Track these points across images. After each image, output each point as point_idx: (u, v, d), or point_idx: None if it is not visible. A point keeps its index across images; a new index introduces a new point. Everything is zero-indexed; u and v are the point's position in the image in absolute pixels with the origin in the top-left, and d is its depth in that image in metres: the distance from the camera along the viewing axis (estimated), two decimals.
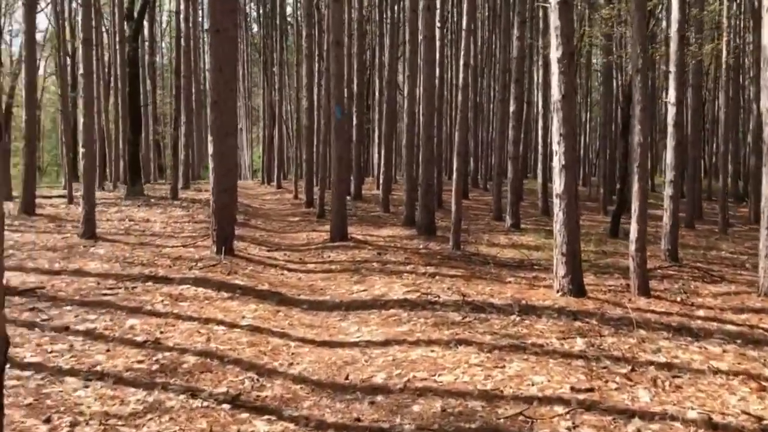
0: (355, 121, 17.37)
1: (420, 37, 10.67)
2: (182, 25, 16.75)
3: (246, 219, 12.85)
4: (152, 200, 15.35)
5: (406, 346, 5.04)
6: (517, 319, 5.81)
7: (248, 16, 38.66)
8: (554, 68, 6.81)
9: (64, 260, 7.50)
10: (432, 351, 4.88)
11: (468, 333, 5.35)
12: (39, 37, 25.74)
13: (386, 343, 5.14)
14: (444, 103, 18.29)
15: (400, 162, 29.72)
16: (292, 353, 4.87)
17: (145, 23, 23.52)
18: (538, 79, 17.74)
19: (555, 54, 6.78)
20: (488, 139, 23.69)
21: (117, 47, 17.03)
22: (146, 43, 22.66)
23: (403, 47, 26.23)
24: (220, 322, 5.39)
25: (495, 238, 11.68)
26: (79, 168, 10.58)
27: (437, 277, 7.53)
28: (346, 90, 16.77)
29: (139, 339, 4.72)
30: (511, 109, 12.91)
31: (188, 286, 6.47)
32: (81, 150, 8.83)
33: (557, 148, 6.78)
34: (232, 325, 5.37)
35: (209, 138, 7.86)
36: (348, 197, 16.57)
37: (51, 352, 4.28)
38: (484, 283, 7.39)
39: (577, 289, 6.66)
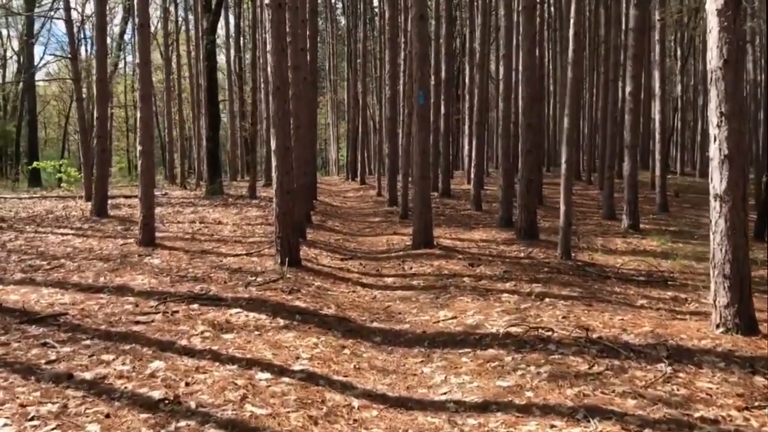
0: (443, 111, 15.89)
1: (519, 8, 9.02)
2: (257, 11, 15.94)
3: (322, 220, 11.75)
4: (230, 199, 14.69)
5: (513, 413, 3.58)
6: (669, 370, 4.15)
7: (335, 8, 38.05)
8: (712, 23, 5.02)
9: (111, 273, 6.63)
10: (552, 426, 3.39)
11: (600, 393, 3.79)
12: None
13: (484, 407, 3.70)
14: (542, 88, 16.34)
15: (492, 154, 27.83)
16: (355, 420, 3.55)
17: (231, 16, 23.21)
18: (653, 56, 15.37)
19: (712, 4, 5.00)
20: (592, 126, 21.32)
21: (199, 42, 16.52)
22: (231, 38, 22.32)
23: (496, 32, 24.36)
24: (267, 366, 4.17)
25: (610, 243, 9.83)
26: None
27: (547, 300, 5.95)
28: (433, 77, 15.33)
29: (155, 395, 3.58)
30: (628, 89, 10.91)
31: (239, 310, 5.33)
32: (138, 147, 8.01)
33: (716, 132, 4.99)
34: (282, 371, 4.12)
35: (271, 131, 6.71)
36: (435, 193, 15.14)
37: (32, 418, 3.21)
38: (609, 308, 5.73)
39: (747, 325, 4.87)
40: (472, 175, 13.31)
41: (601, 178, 17.53)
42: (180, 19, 25.12)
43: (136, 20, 7.47)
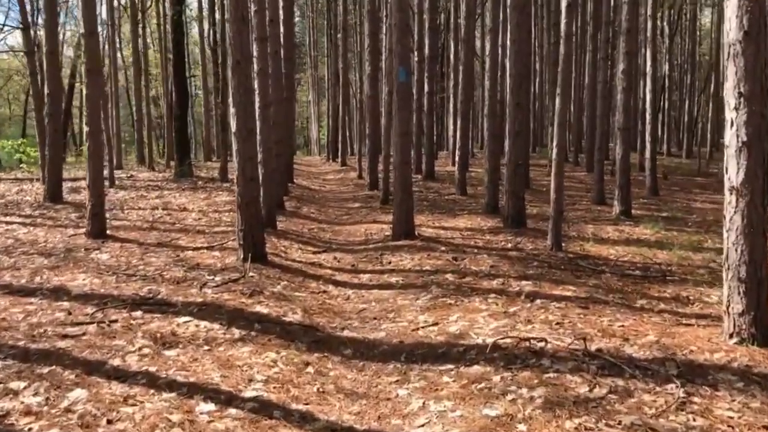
0: (426, 89, 15.14)
1: None
2: None
3: (297, 206, 11.03)
4: (200, 182, 13.90)
5: None
6: (681, 393, 3.58)
7: None
8: None
9: (51, 271, 5.90)
10: None
11: (605, 427, 3.20)
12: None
13: None
14: (529, 65, 15.63)
15: (477, 134, 27.16)
16: None
17: None
18: (646, 33, 14.69)
19: None
20: (578, 106, 20.71)
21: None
22: (205, 10, 21.20)
23: (482, 5, 23.48)
24: (213, 393, 3.51)
25: (602, 231, 9.27)
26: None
27: (538, 301, 5.34)
28: (416, 53, 14.54)
29: None
30: (621, 67, 10.26)
31: (188, 318, 4.65)
32: (85, 128, 7.20)
33: (733, 115, 4.36)
34: (230, 399, 3.47)
35: (230, 110, 5.95)
36: (418, 176, 14.47)
37: None
38: (607, 311, 5.14)
39: (765, 336, 4.31)
40: (457, 158, 12.65)
41: (590, 160, 17.02)
42: None
43: None
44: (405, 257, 6.95)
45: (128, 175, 15.36)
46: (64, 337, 4.18)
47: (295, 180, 15.53)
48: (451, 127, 20.86)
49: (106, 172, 15.28)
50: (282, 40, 14.59)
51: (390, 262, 6.80)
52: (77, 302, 4.94)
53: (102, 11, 17.19)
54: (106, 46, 15.89)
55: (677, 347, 4.28)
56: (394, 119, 7.52)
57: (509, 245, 7.94)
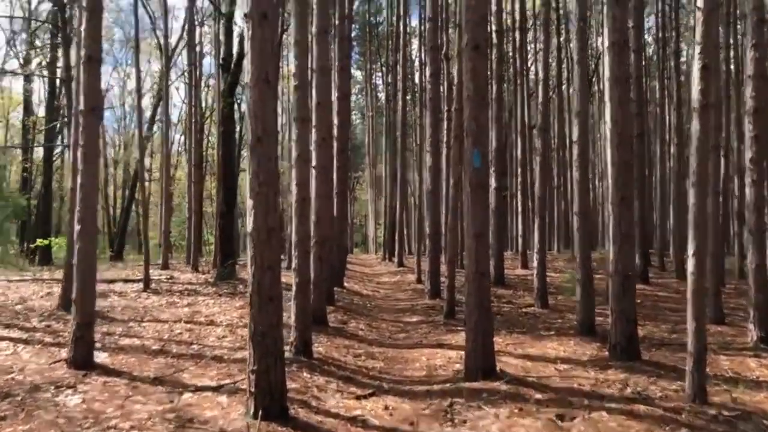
0: (494, 184, 13.46)
1: (606, 44, 6.70)
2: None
3: (343, 320, 9.17)
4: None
5: None
6: None
7: (375, 87, 37.13)
8: None
9: None
10: None
11: None
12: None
13: None
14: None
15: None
16: None
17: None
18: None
19: None
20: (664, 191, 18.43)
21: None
22: None
23: (557, 86, 22.03)
24: None
25: (743, 367, 6.90)
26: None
27: None
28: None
29: None
30: (748, 155, 8.24)
31: None
32: (76, 226, 5.76)
33: None
34: None
35: (248, 204, 4.33)
36: None
37: None
38: None
39: None
40: (535, 262, 10.63)
41: (680, 265, 14.52)
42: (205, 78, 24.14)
43: (82, 51, 5.42)
44: (487, 414, 4.85)
45: (168, 277, 14.08)
46: None
47: (345, 284, 13.81)
48: (520, 226, 18.94)
49: (140, 274, 14.15)
50: (336, 130, 13.48)
51: (466, 422, 4.72)
52: None
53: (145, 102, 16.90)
54: (157, 142, 15.21)
55: None
56: (467, 216, 5.74)
57: (628, 390, 5.73)
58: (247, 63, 4.23)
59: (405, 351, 7.42)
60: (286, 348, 6.40)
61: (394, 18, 22.34)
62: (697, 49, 4.88)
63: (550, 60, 16.20)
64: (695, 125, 5.31)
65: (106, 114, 35.36)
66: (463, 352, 6.92)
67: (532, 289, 12.94)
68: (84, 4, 5.34)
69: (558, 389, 5.62)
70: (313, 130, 7.97)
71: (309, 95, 7.33)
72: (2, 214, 20.62)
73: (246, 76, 4.25)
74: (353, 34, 33.49)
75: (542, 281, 10.56)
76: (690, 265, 5.42)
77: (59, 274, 13.94)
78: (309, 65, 7.03)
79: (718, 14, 5.99)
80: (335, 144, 14.27)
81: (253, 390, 4.35)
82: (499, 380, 5.65)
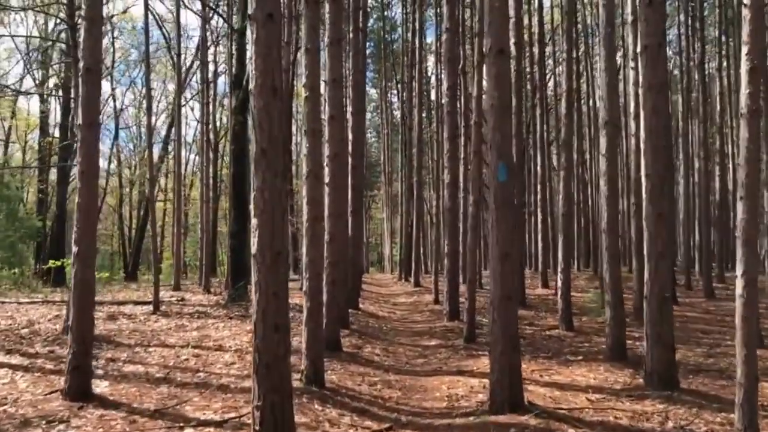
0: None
1: (639, 46, 6.30)
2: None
3: (358, 345, 8.71)
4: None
5: None
6: None
7: (391, 104, 36.99)
8: None
9: None
10: None
11: None
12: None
13: None
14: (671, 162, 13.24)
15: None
16: None
17: None
18: None
19: None
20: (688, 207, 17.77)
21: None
22: None
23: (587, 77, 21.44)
24: None
25: None
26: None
27: None
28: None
29: None
30: None
31: None
32: (73, 248, 5.45)
33: None
34: None
35: (252, 222, 3.95)
36: None
37: None
38: None
39: None
40: (559, 283, 10.12)
41: (708, 284, 13.81)
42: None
43: (81, 63, 5.14)
44: None
45: (179, 299, 13.76)
46: None
47: (360, 305, 13.36)
48: (540, 244, 18.39)
49: (150, 296, 13.83)
50: (350, 146, 13.15)
51: None
52: None
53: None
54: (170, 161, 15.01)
55: None
56: (491, 235, 5.31)
57: (669, 425, 5.22)
58: (251, 68, 3.89)
59: (423, 378, 6.95)
60: (297, 377, 5.98)
61: (409, 34, 22.14)
62: (744, 49, 4.45)
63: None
64: (744, 133, 4.85)
65: (122, 134, 35.52)
66: (486, 380, 6.45)
67: (554, 310, 12.40)
68: (83, 14, 5.06)
69: (593, 423, 5.13)
70: (326, 145, 7.62)
71: (321, 107, 6.98)
72: (17, 236, 20.55)
73: (251, 83, 3.90)
74: (368, 51, 33.50)
75: (567, 302, 10.04)
76: (739, 286, 4.92)
77: (68, 296, 13.68)
78: (321, 75, 6.70)
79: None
80: (349, 160, 13.97)
81: (257, 428, 3.93)
82: (528, 413, 5.17)
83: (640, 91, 6.50)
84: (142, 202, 30.58)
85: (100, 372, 6.60)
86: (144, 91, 33.19)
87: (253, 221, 3.90)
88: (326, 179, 7.65)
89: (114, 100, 29.67)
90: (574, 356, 8.23)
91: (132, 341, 8.66)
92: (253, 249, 3.91)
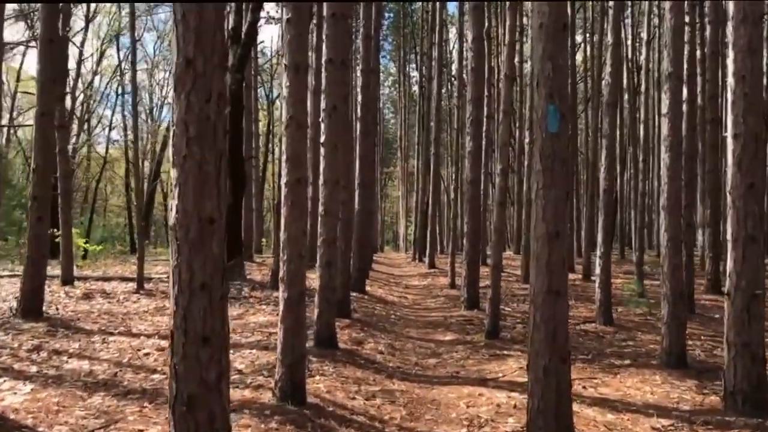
0: None
1: None
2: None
3: (359, 338, 7.32)
4: (245, 289, 10.65)
5: None
6: None
7: (409, 77, 35.27)
8: None
9: None
10: None
11: None
12: None
13: None
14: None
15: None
16: None
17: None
18: None
19: None
20: None
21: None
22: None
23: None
24: None
25: None
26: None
27: None
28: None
29: None
30: None
31: None
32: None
33: None
34: None
35: (172, 171, 2.54)
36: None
37: None
38: None
39: None
40: (598, 269, 8.61)
41: None
42: None
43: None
44: None
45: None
46: None
47: (368, 287, 12.01)
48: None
49: (129, 272, 12.57)
50: (359, 110, 11.68)
51: None
52: None
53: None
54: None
55: None
56: (534, 207, 3.83)
57: None
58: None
59: (436, 389, 5.54)
60: (270, 390, 4.63)
61: (429, 4, 20.46)
62: None
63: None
64: None
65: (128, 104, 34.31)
66: (516, 394, 5.06)
67: (583, 298, 10.96)
68: None
69: None
70: (322, 96, 6.16)
71: (309, 39, 5.49)
72: (11, 202, 19.48)
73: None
74: (386, 21, 31.72)
75: (607, 294, 8.54)
76: None
77: (59, 269, 12.33)
78: None
79: None
80: (358, 125, 12.47)
81: None
82: None
83: (730, 25, 4.92)
84: (150, 175, 29.54)
85: (33, 369, 5.32)
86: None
87: (173, 173, 2.49)
88: (321, 138, 6.20)
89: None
90: (619, 359, 6.79)
91: (96, 326, 7.40)
92: (171, 217, 2.51)
